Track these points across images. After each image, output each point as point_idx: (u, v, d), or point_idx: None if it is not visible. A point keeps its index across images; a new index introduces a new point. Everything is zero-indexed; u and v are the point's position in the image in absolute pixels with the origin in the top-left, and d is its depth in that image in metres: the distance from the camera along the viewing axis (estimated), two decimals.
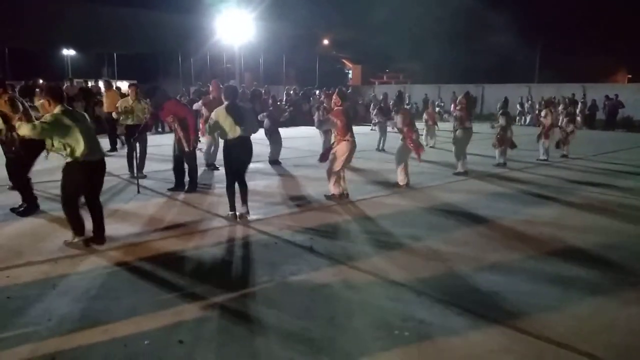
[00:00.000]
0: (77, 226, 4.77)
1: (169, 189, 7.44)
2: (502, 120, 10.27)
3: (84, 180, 4.66)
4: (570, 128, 12.05)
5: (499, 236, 5.54)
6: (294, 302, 3.74)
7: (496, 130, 10.47)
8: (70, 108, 4.75)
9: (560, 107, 12.66)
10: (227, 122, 5.68)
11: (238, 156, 5.83)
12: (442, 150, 12.63)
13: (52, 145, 4.60)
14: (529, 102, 25.29)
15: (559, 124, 12.05)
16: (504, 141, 10.31)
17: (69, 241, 4.80)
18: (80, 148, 4.51)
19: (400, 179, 8.00)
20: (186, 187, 7.42)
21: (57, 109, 4.57)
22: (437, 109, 25.01)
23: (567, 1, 34.51)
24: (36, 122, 4.59)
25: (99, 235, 4.89)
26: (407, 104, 19.55)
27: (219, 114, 5.73)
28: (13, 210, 6.02)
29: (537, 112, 20.26)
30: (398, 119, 8.04)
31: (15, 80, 17.48)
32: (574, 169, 10.44)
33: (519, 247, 5.14)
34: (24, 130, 4.53)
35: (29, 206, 6.03)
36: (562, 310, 3.70)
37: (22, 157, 5.85)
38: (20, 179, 6.08)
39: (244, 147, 5.83)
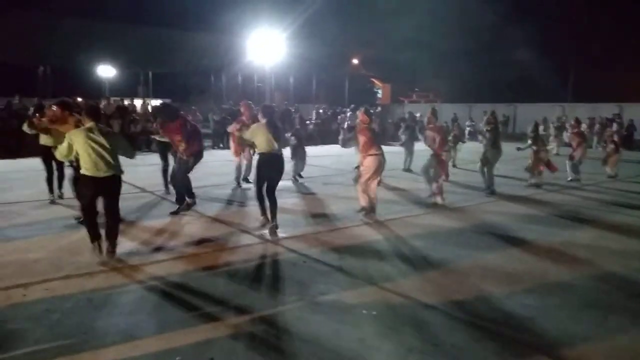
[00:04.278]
0: (92, 233, 4.97)
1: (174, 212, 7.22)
2: (530, 142, 10.16)
3: (90, 193, 4.90)
4: (609, 148, 11.75)
5: (533, 259, 5.40)
6: (323, 323, 3.72)
7: (525, 152, 10.31)
8: (101, 126, 4.98)
9: (597, 127, 12.39)
10: (265, 138, 5.99)
11: (271, 170, 6.11)
12: (468, 170, 12.45)
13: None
14: (561, 122, 24.73)
15: (594, 144, 11.76)
16: (539, 164, 10.14)
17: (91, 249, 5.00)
18: (85, 164, 4.81)
19: (433, 195, 7.97)
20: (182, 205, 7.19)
21: (88, 124, 4.93)
22: (467, 128, 25.00)
23: (603, 15, 33.59)
24: (60, 149, 5.02)
25: (109, 240, 5.00)
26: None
27: (259, 129, 6.07)
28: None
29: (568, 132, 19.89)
30: (431, 134, 8.04)
31: (55, 98, 18.17)
32: (610, 192, 10.13)
33: (554, 270, 5.01)
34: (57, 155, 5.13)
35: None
36: (600, 338, 3.57)
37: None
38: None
39: (277, 162, 6.14)
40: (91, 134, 4.81)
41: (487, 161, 9.22)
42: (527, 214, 7.77)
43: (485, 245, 5.92)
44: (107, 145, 4.83)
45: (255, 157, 6.39)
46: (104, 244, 4.98)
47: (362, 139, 6.92)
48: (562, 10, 33.76)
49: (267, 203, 6.20)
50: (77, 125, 6.04)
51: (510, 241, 6.08)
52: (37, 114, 7.56)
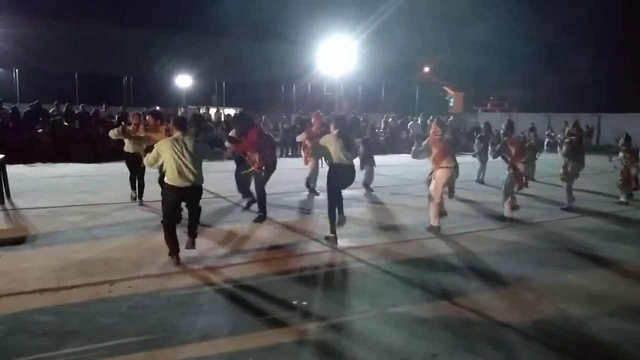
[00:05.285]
0: (170, 246, 5.16)
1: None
2: (621, 157, 9.44)
3: (172, 200, 5.14)
4: None
5: (620, 281, 5.03)
6: (393, 334, 3.67)
7: (616, 165, 9.60)
8: (187, 136, 5.21)
9: None
10: (336, 149, 6.01)
11: (343, 181, 6.14)
12: (547, 184, 11.82)
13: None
14: None
15: None
16: (630, 180, 9.43)
17: (168, 259, 5.21)
18: (169, 173, 5.07)
19: (507, 211, 7.63)
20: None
21: (176, 134, 5.19)
22: (546, 139, 23.77)
23: None
24: (148, 157, 5.29)
25: (190, 234, 5.29)
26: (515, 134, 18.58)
27: (330, 140, 6.09)
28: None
29: None
30: (508, 149, 7.69)
31: (135, 106, 19.38)
32: None
33: None
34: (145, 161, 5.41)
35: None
36: None
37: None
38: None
39: (348, 172, 6.13)
40: (177, 144, 5.06)
41: (567, 174, 8.71)
42: (613, 231, 7.26)
43: (566, 263, 5.59)
44: (192, 155, 5.05)
45: (326, 168, 6.39)
46: (185, 239, 5.25)
47: (434, 150, 6.78)
48: None
49: (337, 217, 6.15)
50: (167, 133, 6.44)
51: (593, 260, 5.70)
52: (122, 122, 8.16)
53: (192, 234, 5.32)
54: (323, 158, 6.73)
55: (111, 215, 7.43)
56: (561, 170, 8.88)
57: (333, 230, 6.16)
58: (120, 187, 9.05)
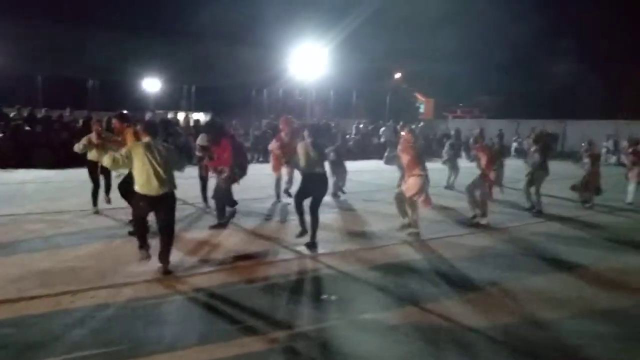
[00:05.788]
0: (140, 240, 5.03)
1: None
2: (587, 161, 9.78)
3: (141, 208, 4.95)
4: None
5: (583, 284, 5.15)
6: (364, 341, 3.66)
7: (573, 171, 9.93)
8: (157, 142, 5.04)
9: None
10: (307, 158, 6.02)
11: (314, 189, 6.14)
12: (514, 189, 12.07)
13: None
14: (614, 140, 23.73)
15: None
16: (588, 185, 9.75)
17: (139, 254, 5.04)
18: (139, 180, 4.86)
19: (478, 213, 7.80)
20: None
21: (146, 139, 4.98)
22: (514, 144, 24.35)
23: None
24: (116, 156, 4.95)
25: (161, 260, 5.03)
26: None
27: (302, 148, 6.10)
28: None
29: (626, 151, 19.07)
30: (480, 156, 7.87)
31: (102, 110, 18.89)
32: None
33: (606, 296, 4.77)
34: (104, 161, 5.05)
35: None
36: None
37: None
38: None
39: (320, 181, 6.16)
40: (149, 150, 4.86)
41: (534, 181, 8.92)
42: (576, 236, 7.46)
43: (532, 267, 5.70)
44: (162, 161, 4.85)
45: (297, 174, 6.37)
46: (158, 264, 5.01)
47: (405, 157, 6.84)
48: (613, 18, 32.50)
49: (307, 217, 6.18)
50: (136, 136, 6.23)
51: (558, 264, 5.84)
52: (85, 128, 7.91)
53: (164, 260, 5.02)
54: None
55: (74, 223, 7.19)
56: (527, 177, 9.09)
57: (302, 224, 6.21)
58: (84, 194, 8.77)
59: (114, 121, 7.09)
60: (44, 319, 3.85)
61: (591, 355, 3.54)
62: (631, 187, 10.49)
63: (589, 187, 9.77)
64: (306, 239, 6.20)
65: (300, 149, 6.17)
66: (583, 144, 10.28)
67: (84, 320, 3.85)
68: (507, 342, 3.69)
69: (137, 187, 4.89)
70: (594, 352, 3.57)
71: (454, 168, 12.27)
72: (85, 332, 3.66)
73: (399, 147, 7.14)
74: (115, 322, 3.85)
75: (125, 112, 7.38)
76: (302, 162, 6.08)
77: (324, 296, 4.60)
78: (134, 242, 6.00)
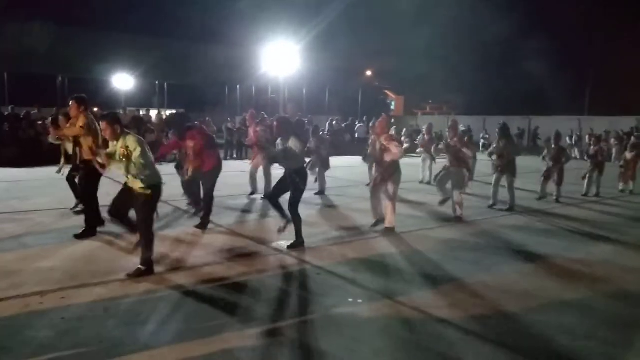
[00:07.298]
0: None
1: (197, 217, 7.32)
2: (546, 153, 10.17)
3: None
4: (621, 162, 11.65)
5: (549, 275, 5.33)
6: (336, 336, 3.70)
7: (549, 163, 10.24)
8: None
9: (612, 141, 12.25)
10: (289, 151, 5.96)
11: (286, 187, 6.08)
12: (484, 183, 12.35)
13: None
14: (578, 135, 24.51)
15: (612, 158, 11.63)
16: (550, 176, 10.13)
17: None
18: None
19: (458, 210, 7.99)
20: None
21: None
22: (481, 140, 24.90)
23: (621, 24, 33.15)
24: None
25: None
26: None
27: (286, 142, 6.02)
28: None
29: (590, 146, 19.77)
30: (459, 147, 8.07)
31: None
32: (628, 207, 9.99)
33: (571, 287, 4.94)
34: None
35: (88, 230, 6.30)
36: (623, 356, 3.50)
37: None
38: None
39: (302, 175, 6.07)
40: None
41: (507, 176, 9.12)
42: (544, 228, 7.69)
43: (501, 260, 5.86)
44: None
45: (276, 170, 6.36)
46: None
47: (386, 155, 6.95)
48: (578, 21, 33.57)
49: (285, 211, 6.13)
50: (89, 124, 6.10)
51: (526, 256, 6.01)
52: (53, 125, 7.68)
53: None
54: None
55: (43, 223, 7.03)
56: (495, 172, 9.30)
57: (283, 216, 6.17)
58: (53, 193, 8.60)
59: (71, 103, 6.40)
60: (11, 322, 3.75)
61: (559, 344, 3.67)
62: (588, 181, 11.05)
63: (554, 179, 10.12)
64: (290, 236, 6.16)
65: (281, 143, 6.14)
66: (540, 139, 10.68)
67: (54, 321, 3.77)
68: (477, 333, 3.79)
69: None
70: (561, 342, 3.70)
71: (427, 163, 12.40)
72: (56, 334, 3.58)
73: (382, 140, 7.08)
74: (87, 323, 3.78)
75: (84, 95, 6.81)
76: (282, 156, 6.03)
77: (299, 292, 4.64)
78: (106, 241, 5.93)
